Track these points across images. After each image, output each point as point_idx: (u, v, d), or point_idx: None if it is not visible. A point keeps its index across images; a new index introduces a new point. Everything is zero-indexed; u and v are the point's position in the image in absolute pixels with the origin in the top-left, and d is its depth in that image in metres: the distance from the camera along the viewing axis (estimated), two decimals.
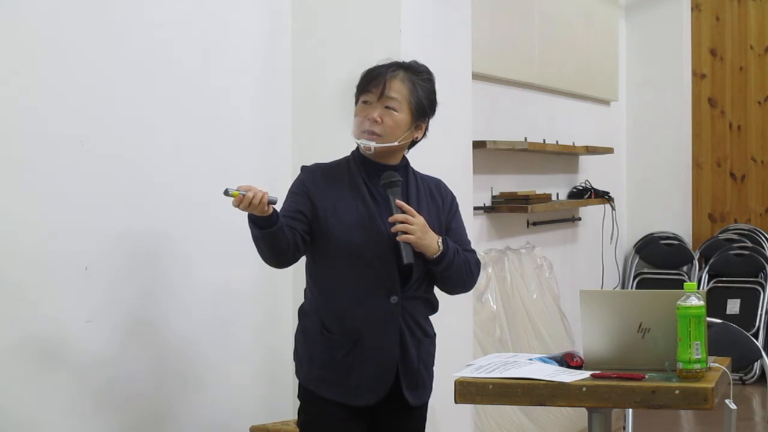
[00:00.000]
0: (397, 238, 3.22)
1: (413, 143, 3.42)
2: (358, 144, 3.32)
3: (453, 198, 3.49)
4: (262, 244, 3.22)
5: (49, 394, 3.46)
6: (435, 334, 3.44)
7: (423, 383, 3.38)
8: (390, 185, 3.28)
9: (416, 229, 3.22)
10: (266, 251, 3.24)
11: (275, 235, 3.17)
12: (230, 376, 4.24)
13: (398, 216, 3.23)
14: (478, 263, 3.47)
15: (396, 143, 3.31)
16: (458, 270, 3.35)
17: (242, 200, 3.07)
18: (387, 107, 3.30)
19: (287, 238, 3.21)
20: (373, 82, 3.31)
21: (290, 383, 4.45)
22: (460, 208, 3.53)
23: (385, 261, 3.26)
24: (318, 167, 3.41)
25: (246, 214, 3.16)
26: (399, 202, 3.25)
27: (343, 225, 3.27)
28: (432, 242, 3.26)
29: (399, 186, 3.28)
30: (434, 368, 3.45)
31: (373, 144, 3.28)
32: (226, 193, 3.06)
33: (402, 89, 3.31)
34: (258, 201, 3.08)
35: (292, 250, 3.25)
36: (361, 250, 3.26)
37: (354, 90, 3.40)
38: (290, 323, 4.40)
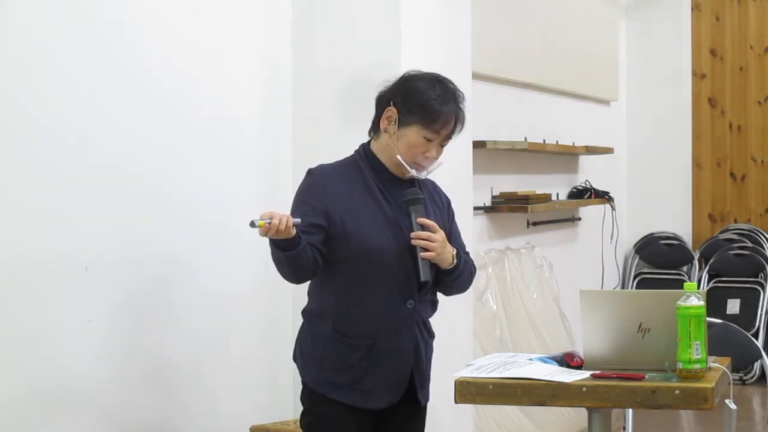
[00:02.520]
0: (420, 255, 3.23)
1: None
2: (404, 166, 3.29)
3: (449, 201, 3.51)
4: (285, 266, 3.20)
5: (49, 394, 3.46)
6: (434, 334, 3.46)
7: (428, 382, 3.41)
8: (413, 202, 3.28)
9: (437, 246, 3.24)
10: (289, 271, 3.23)
11: (299, 255, 3.16)
12: (230, 376, 4.24)
13: (421, 234, 3.24)
14: (474, 267, 3.51)
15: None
16: (464, 279, 3.41)
17: (269, 229, 3.06)
18: (442, 144, 3.33)
19: (308, 256, 3.20)
20: (444, 127, 3.28)
21: (290, 384, 4.45)
22: (460, 208, 3.54)
23: (404, 265, 3.26)
24: (325, 170, 3.36)
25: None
26: (422, 219, 3.26)
27: (362, 229, 3.25)
28: (448, 256, 3.29)
29: (421, 203, 3.29)
30: (434, 368, 3.46)
31: (423, 175, 3.34)
32: (252, 224, 3.06)
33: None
34: (284, 226, 3.06)
35: (313, 266, 3.23)
36: (381, 254, 3.25)
37: (355, 88, 3.40)
38: (290, 324, 4.40)
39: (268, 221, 3.05)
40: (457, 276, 3.35)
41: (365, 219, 3.26)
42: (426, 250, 3.23)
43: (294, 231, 3.11)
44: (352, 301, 3.28)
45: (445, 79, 3.36)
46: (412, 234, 3.24)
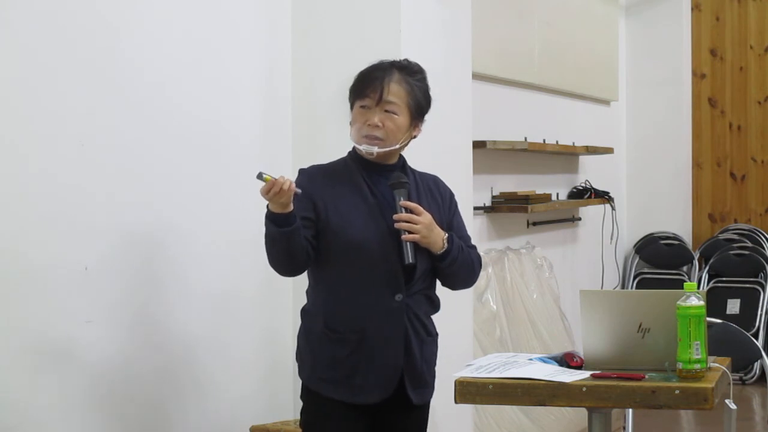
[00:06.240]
0: (402, 237, 3.22)
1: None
2: (359, 149, 3.32)
3: (452, 194, 3.50)
4: (278, 246, 3.20)
5: (50, 394, 3.46)
6: (437, 334, 3.45)
7: (426, 382, 3.38)
8: (397, 186, 3.28)
9: (420, 228, 3.23)
10: (281, 255, 3.22)
11: (294, 234, 3.17)
12: (230, 376, 4.24)
13: (402, 215, 3.23)
14: (479, 259, 3.49)
15: (398, 146, 3.32)
16: (462, 266, 3.37)
17: (274, 184, 3.08)
18: (387, 111, 3.29)
19: (302, 242, 3.20)
20: (370, 87, 3.29)
21: (290, 383, 4.45)
22: (460, 207, 3.53)
23: (390, 258, 3.26)
24: (316, 168, 3.40)
25: (263, 216, 3.17)
26: (405, 201, 3.26)
27: (346, 223, 3.26)
28: (437, 239, 3.28)
29: (406, 188, 3.29)
30: (435, 368, 3.45)
31: (375, 149, 3.28)
32: (260, 176, 3.08)
33: (400, 92, 3.30)
34: (287, 187, 3.09)
35: (304, 256, 3.24)
36: (366, 248, 3.25)
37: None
38: (290, 324, 4.40)
39: (275, 177, 3.07)
40: (450, 263, 3.32)
41: (348, 212, 3.27)
42: (410, 232, 3.23)
43: (292, 206, 3.13)
44: (341, 296, 3.29)
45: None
46: (394, 216, 3.24)
